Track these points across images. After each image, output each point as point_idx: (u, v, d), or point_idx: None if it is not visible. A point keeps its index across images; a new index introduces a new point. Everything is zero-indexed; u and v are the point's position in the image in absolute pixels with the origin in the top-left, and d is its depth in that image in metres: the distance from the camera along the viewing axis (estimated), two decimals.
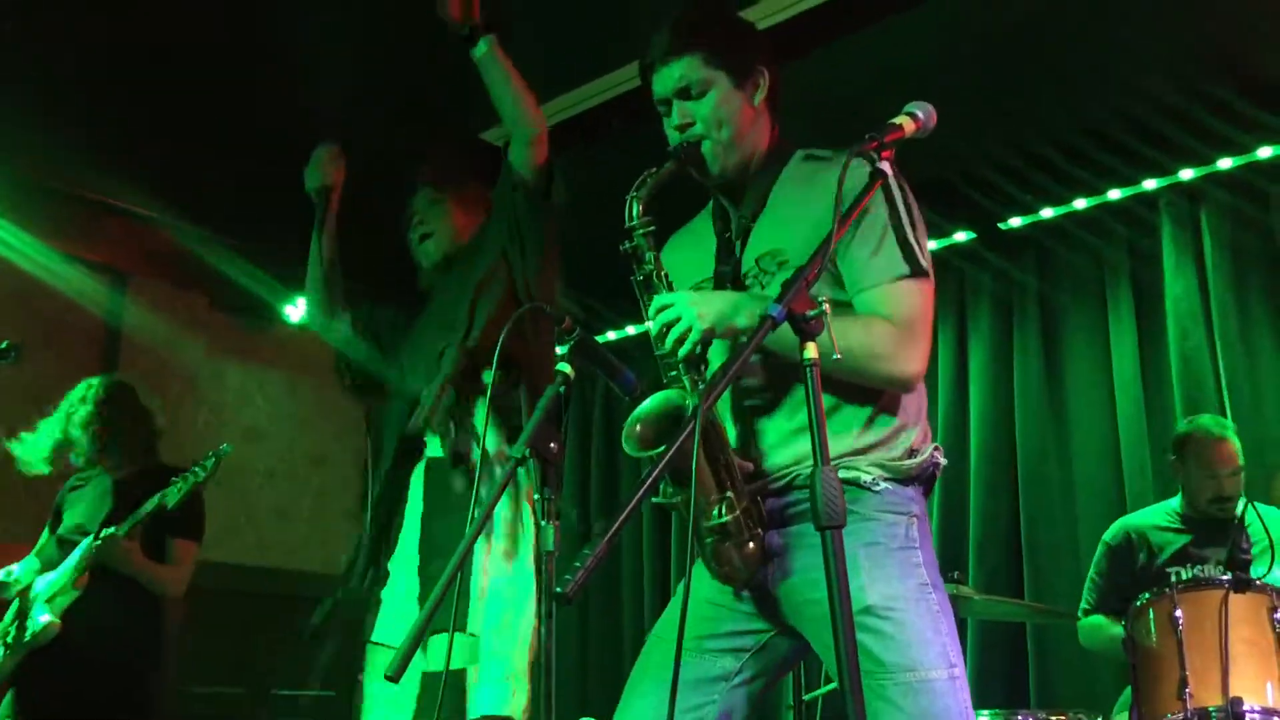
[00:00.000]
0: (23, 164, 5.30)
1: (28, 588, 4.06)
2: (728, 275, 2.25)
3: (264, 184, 5.37)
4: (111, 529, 3.90)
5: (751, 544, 2.08)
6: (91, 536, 3.93)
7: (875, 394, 2.13)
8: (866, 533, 2.02)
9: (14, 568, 4.18)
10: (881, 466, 2.10)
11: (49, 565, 4.08)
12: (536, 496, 2.07)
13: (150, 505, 3.89)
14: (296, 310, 6.37)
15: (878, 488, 2.08)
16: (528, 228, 3.09)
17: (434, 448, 3.08)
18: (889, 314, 2.07)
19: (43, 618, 3.91)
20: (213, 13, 4.30)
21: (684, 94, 2.25)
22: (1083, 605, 4.30)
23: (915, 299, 2.10)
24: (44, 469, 4.25)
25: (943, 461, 2.19)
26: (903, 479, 2.11)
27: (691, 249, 2.39)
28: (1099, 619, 4.17)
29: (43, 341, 5.59)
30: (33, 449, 4.23)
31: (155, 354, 6.11)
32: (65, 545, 4.07)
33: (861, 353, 2.01)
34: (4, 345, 3.66)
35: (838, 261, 2.13)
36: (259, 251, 5.99)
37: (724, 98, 2.24)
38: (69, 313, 5.84)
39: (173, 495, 3.87)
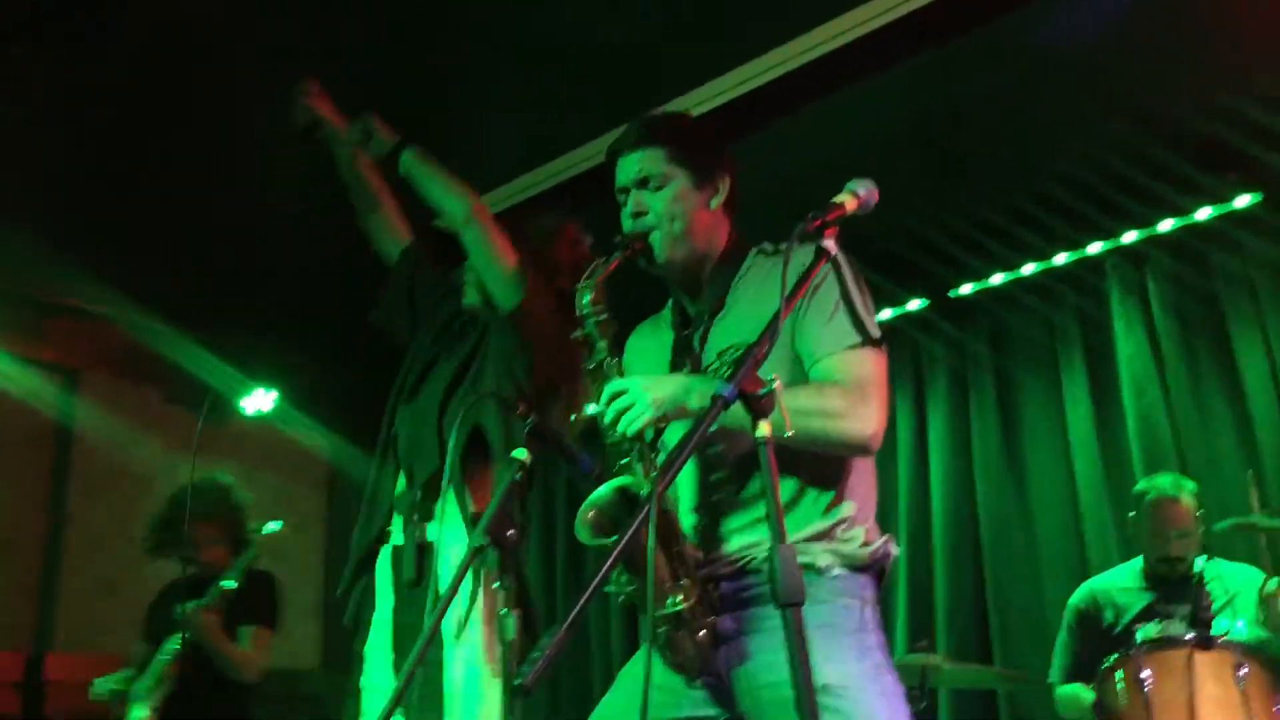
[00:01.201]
0: None
1: (125, 691, 4.14)
2: (686, 370, 2.27)
3: (216, 274, 5.38)
4: (195, 602, 4.02)
5: (704, 631, 2.08)
6: (179, 627, 4.05)
7: (831, 484, 2.15)
8: (821, 614, 2.01)
9: (114, 678, 4.25)
10: (836, 554, 2.11)
11: (142, 668, 4.16)
12: (495, 585, 2.04)
13: (217, 589, 4.05)
14: (253, 401, 6.32)
15: (833, 573, 2.09)
16: (509, 351, 3.01)
17: (397, 535, 3.03)
18: (841, 378, 2.11)
19: (139, 714, 4.01)
20: (161, 106, 4.31)
21: (643, 184, 2.31)
22: (1055, 673, 4.27)
23: (867, 364, 2.13)
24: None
25: (895, 552, 2.21)
26: (856, 567, 2.13)
27: (650, 341, 2.43)
28: (1075, 688, 4.13)
29: None
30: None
31: (109, 453, 6.04)
32: (155, 642, 4.17)
33: (816, 413, 2.03)
34: None
35: (795, 343, 2.16)
36: (212, 342, 5.96)
37: (681, 194, 2.30)
38: (19, 414, 5.76)
39: (232, 578, 4.06)
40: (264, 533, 4.12)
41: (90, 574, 5.98)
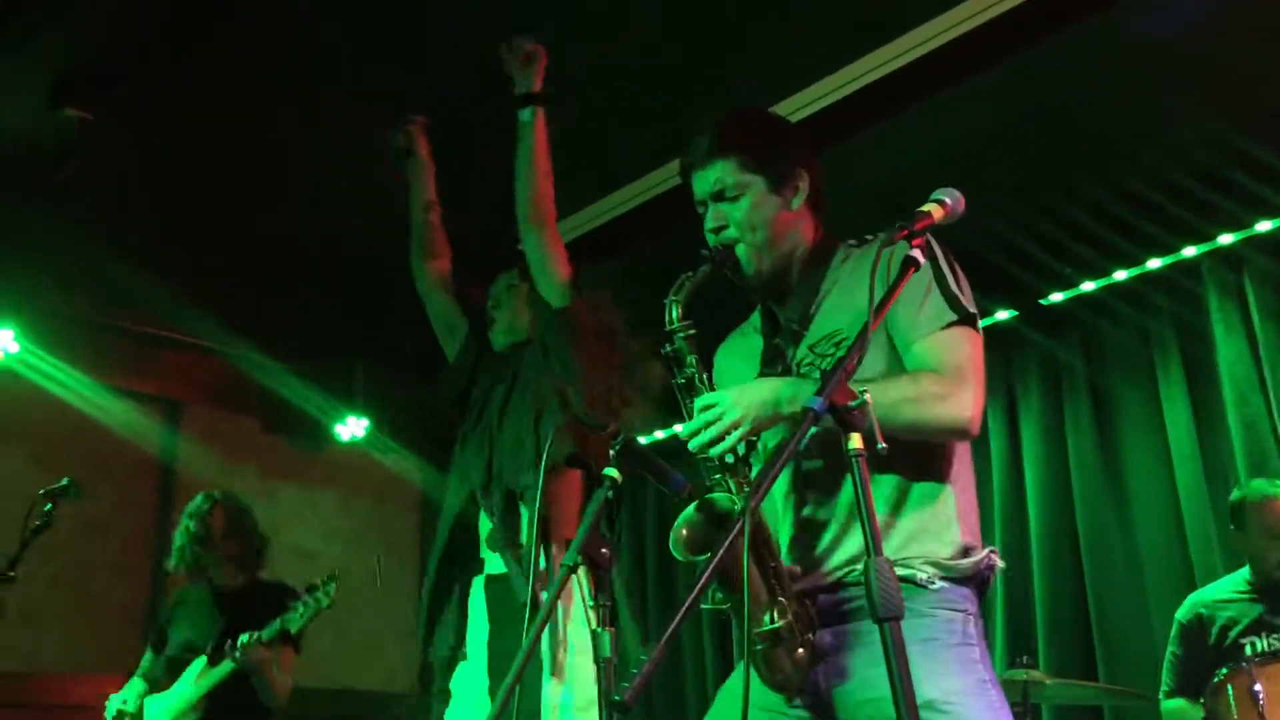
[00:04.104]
0: (73, 302, 5.44)
1: (139, 711, 4.14)
2: (778, 375, 2.24)
3: (312, 304, 5.50)
4: (251, 635, 3.98)
5: (802, 650, 2.04)
6: (204, 654, 4.03)
7: (934, 490, 2.11)
8: (923, 629, 1.97)
9: (123, 694, 4.25)
10: (935, 565, 2.06)
11: (156, 686, 4.16)
12: (591, 603, 2.05)
13: (277, 625, 4.00)
14: (348, 429, 6.43)
15: (933, 586, 2.04)
16: (555, 346, 3.08)
17: (493, 564, 3.06)
18: (936, 363, 2.07)
19: None
20: (255, 137, 4.43)
21: (719, 197, 2.27)
22: (1163, 688, 4.17)
23: (963, 345, 2.10)
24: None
25: (999, 564, 2.15)
26: (957, 578, 2.08)
27: (739, 351, 2.40)
28: (1180, 703, 4.03)
29: (98, 476, 5.68)
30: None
31: (210, 482, 6.19)
32: (175, 664, 4.15)
33: (912, 401, 2.00)
34: (65, 483, 3.76)
35: (889, 330, 2.13)
36: (310, 372, 6.09)
37: (759, 201, 2.26)
38: (123, 446, 5.93)
39: (295, 621, 4.00)
40: (330, 592, 4.03)
41: None
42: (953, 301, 2.11)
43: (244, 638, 3.97)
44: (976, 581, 2.11)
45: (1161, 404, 5.15)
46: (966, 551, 2.10)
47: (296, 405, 6.21)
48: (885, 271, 1.85)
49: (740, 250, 2.26)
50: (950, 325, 2.10)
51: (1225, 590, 4.15)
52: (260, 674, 4.03)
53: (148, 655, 4.36)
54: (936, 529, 2.10)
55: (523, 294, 3.29)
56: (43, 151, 4.32)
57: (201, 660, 4.03)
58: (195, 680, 4.04)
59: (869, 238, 2.29)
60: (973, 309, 2.13)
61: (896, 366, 2.13)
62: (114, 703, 4.22)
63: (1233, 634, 4.01)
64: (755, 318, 2.43)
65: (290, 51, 3.98)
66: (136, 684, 4.25)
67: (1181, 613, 4.20)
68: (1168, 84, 4.21)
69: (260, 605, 4.08)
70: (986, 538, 2.19)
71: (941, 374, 2.06)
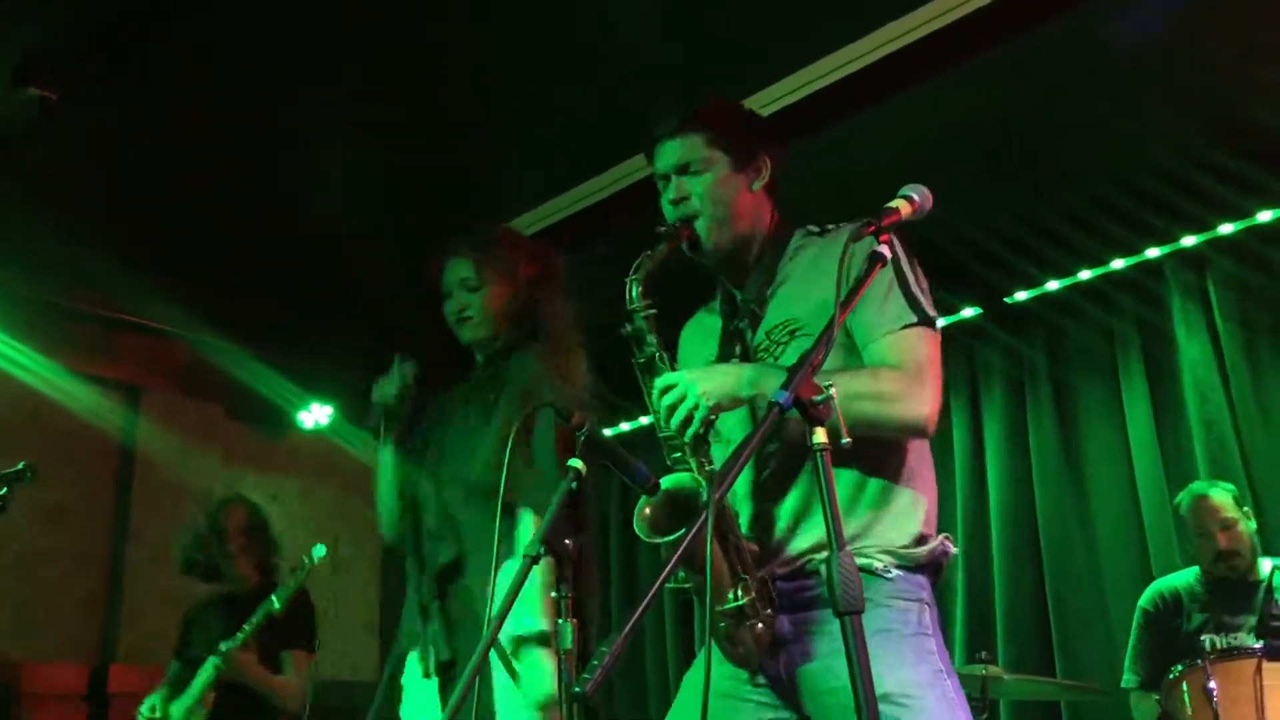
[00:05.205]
0: (34, 284, 5.37)
1: (166, 716, 4.15)
2: (736, 357, 2.26)
3: (275, 291, 5.45)
4: (227, 643, 4.01)
5: (761, 625, 2.07)
6: (213, 655, 4.04)
7: (891, 478, 2.13)
8: (879, 619, 1.99)
9: (153, 699, 4.26)
10: (891, 554, 2.09)
11: (178, 689, 4.17)
12: (554, 594, 2.04)
13: (259, 615, 4.01)
14: (311, 416, 6.39)
15: (889, 574, 2.07)
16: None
17: (444, 554, 3.01)
18: (896, 361, 2.09)
19: None
20: (219, 120, 4.38)
21: (683, 170, 2.30)
22: (1129, 679, 4.20)
23: (921, 344, 2.12)
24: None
25: (953, 550, 2.18)
26: (912, 566, 2.10)
27: (700, 332, 2.43)
28: (1155, 698, 4.05)
29: (58, 460, 5.62)
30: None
31: (171, 468, 6.14)
32: (191, 666, 4.17)
33: (871, 397, 2.02)
34: (20, 466, 3.69)
35: (849, 325, 2.15)
36: (273, 358, 6.04)
37: (722, 179, 2.29)
38: (83, 430, 5.87)
39: (277, 602, 4.00)
40: (315, 559, 4.07)
41: (153, 587, 6.07)
42: (913, 302, 2.13)
43: (224, 644, 4.01)
44: (931, 569, 2.14)
45: (1123, 402, 5.21)
46: (922, 540, 2.13)
47: (259, 391, 6.16)
48: (849, 267, 1.85)
49: (700, 224, 2.27)
50: (910, 326, 2.12)
51: (1186, 579, 4.23)
52: (246, 677, 4.06)
53: (172, 660, 4.41)
54: (892, 520, 2.12)
55: (488, 286, 3.19)
56: (3, 131, 4.26)
57: (211, 661, 4.05)
58: (201, 682, 4.07)
59: (830, 227, 2.31)
60: (932, 311, 2.16)
61: (853, 361, 2.14)
62: (145, 708, 4.26)
63: (1194, 622, 4.08)
64: (713, 303, 2.44)
65: (257, 34, 3.94)
66: (164, 689, 4.29)
67: (1145, 600, 4.26)
68: (1134, 87, 4.25)
69: (262, 601, 4.09)
70: (948, 532, 2.20)
71: (901, 370, 2.08)
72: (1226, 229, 4.92)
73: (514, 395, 2.96)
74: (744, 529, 2.16)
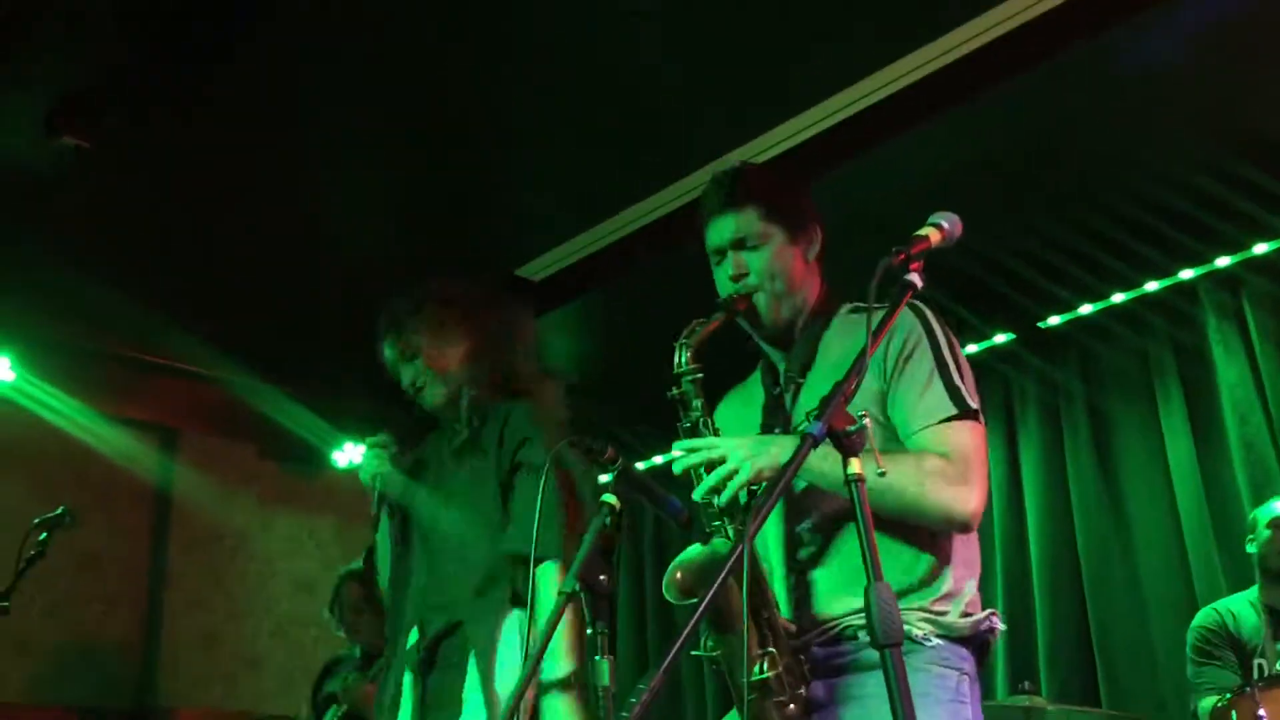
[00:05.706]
0: (68, 329, 5.43)
1: None
2: (777, 429, 2.23)
3: (309, 329, 5.49)
4: (355, 675, 4.22)
5: (793, 705, 2.00)
6: (336, 700, 4.27)
7: (927, 547, 2.09)
8: (916, 684, 1.90)
9: None
10: (933, 623, 2.04)
11: None
12: (589, 631, 2.02)
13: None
14: (344, 455, 6.41)
15: (929, 642, 2.02)
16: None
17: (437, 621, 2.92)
18: (943, 450, 2.04)
19: None
20: (254, 167, 4.43)
21: (739, 245, 2.27)
22: (1205, 701, 4.03)
23: (967, 437, 2.07)
24: None
25: (1000, 626, 2.13)
26: (955, 638, 2.06)
27: (741, 406, 2.40)
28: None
29: (94, 505, 5.66)
30: None
31: (206, 510, 6.17)
32: (321, 712, 4.41)
33: (913, 480, 1.98)
34: (60, 511, 3.73)
35: (888, 411, 2.12)
36: (306, 397, 6.07)
37: (780, 251, 2.27)
38: (119, 474, 5.91)
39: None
40: None
41: (189, 629, 6.09)
42: (954, 394, 2.09)
43: (348, 677, 4.23)
44: (975, 643, 2.09)
45: (1161, 426, 5.14)
46: (965, 612, 2.08)
47: (293, 431, 6.19)
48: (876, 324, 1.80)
49: (759, 299, 2.25)
50: (953, 418, 2.07)
51: (1238, 604, 4.14)
52: (365, 712, 4.16)
53: (307, 715, 4.61)
54: (935, 586, 2.07)
55: (422, 358, 3.08)
56: (38, 180, 4.32)
57: (334, 709, 4.28)
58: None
59: (877, 306, 2.27)
60: (974, 402, 2.11)
61: (891, 445, 2.10)
62: None
63: (1251, 644, 3.99)
64: (756, 374, 2.42)
65: (288, 80, 3.99)
66: None
67: (1200, 619, 4.15)
68: (1163, 108, 4.22)
69: None
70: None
71: (948, 460, 2.03)
72: (1261, 248, 4.86)
73: (511, 448, 2.89)
74: (780, 597, 2.13)
